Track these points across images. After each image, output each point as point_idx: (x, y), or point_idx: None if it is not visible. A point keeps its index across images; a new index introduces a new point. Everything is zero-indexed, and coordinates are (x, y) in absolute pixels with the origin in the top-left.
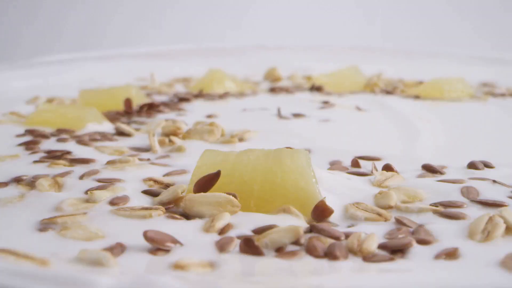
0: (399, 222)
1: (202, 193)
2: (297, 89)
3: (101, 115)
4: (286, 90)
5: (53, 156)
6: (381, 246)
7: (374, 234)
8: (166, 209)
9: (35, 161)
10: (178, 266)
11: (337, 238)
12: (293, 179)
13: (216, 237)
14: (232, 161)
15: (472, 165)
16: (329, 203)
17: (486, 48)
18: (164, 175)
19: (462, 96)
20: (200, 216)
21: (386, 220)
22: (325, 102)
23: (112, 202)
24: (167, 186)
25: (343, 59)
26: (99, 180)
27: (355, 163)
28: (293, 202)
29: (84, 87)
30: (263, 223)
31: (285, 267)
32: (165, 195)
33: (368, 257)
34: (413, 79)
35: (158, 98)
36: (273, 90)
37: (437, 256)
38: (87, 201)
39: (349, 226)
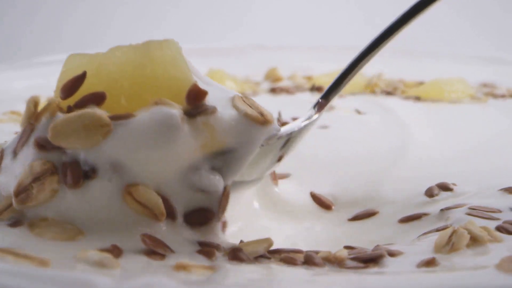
0: None
1: (64, 118)
2: (298, 89)
3: None
4: (286, 90)
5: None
6: (353, 258)
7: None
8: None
9: None
10: (179, 267)
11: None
12: (164, 69)
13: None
14: (99, 61)
15: (427, 192)
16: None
17: (486, 48)
18: None
19: (462, 97)
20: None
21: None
22: None
23: None
24: None
25: (343, 59)
26: None
27: None
28: (166, 93)
29: None
30: None
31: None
32: None
33: (343, 264)
34: (414, 79)
35: None
36: (273, 90)
37: (418, 265)
38: None
39: None
